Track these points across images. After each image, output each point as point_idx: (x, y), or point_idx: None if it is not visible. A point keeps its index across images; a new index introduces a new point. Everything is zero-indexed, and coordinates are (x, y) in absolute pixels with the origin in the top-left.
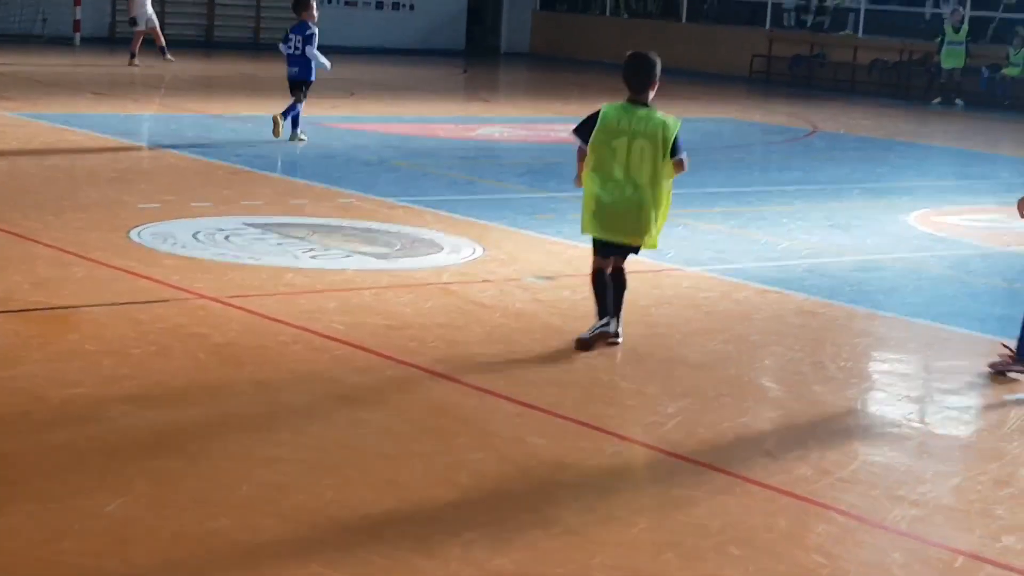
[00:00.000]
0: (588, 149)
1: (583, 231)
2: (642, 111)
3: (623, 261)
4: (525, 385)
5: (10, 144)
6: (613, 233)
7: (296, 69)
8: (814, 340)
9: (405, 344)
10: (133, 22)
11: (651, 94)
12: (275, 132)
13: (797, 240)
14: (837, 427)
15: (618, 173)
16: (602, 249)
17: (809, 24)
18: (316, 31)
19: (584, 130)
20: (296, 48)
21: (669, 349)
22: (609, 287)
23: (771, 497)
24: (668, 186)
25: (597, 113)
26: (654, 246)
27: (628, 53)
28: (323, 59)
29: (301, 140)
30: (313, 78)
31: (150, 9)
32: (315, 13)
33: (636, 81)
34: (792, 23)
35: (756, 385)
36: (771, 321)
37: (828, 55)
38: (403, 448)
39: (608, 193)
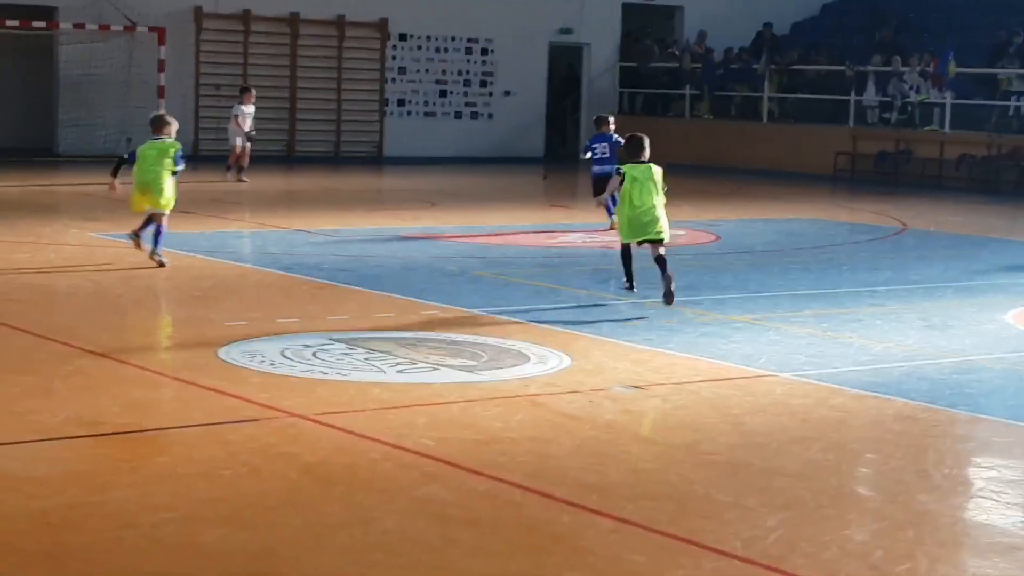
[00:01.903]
0: (623, 185)
1: (623, 239)
2: (644, 166)
3: (659, 248)
4: (618, 499)
5: (98, 265)
6: (640, 235)
7: (607, 168)
8: (915, 446)
9: (495, 459)
10: (250, 138)
11: (646, 155)
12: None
13: (892, 342)
14: (945, 538)
15: (637, 201)
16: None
17: (893, 121)
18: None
19: (619, 173)
20: (604, 152)
21: (765, 459)
22: (633, 260)
23: None
24: (663, 204)
25: (621, 167)
26: (666, 235)
27: (628, 135)
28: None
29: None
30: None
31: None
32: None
33: (632, 152)
34: (876, 120)
35: (858, 495)
36: (869, 427)
37: (914, 151)
38: (497, 567)
39: (634, 212)
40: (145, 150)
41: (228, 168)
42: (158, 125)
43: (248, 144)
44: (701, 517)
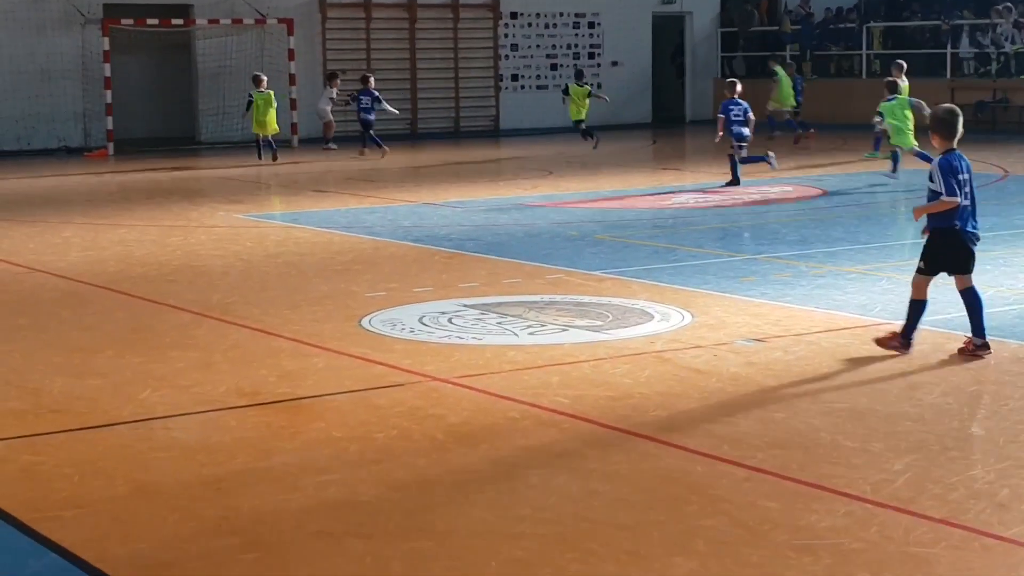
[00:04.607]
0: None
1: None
2: (581, 87)
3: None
4: (749, 448)
5: (245, 245)
6: (575, 118)
7: (372, 117)
8: None
9: (628, 414)
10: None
11: (585, 80)
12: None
13: (1003, 286)
14: None
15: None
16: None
17: (992, 71)
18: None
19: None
20: (366, 105)
21: (888, 404)
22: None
23: (1011, 550)
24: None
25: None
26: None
27: (577, 69)
28: (391, 108)
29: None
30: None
31: (322, 105)
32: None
33: (577, 78)
34: (972, 71)
35: (980, 436)
36: (987, 370)
37: (1011, 99)
38: (638, 517)
39: (574, 108)
40: (257, 98)
41: (327, 142)
42: (258, 82)
43: (331, 118)
44: (830, 463)
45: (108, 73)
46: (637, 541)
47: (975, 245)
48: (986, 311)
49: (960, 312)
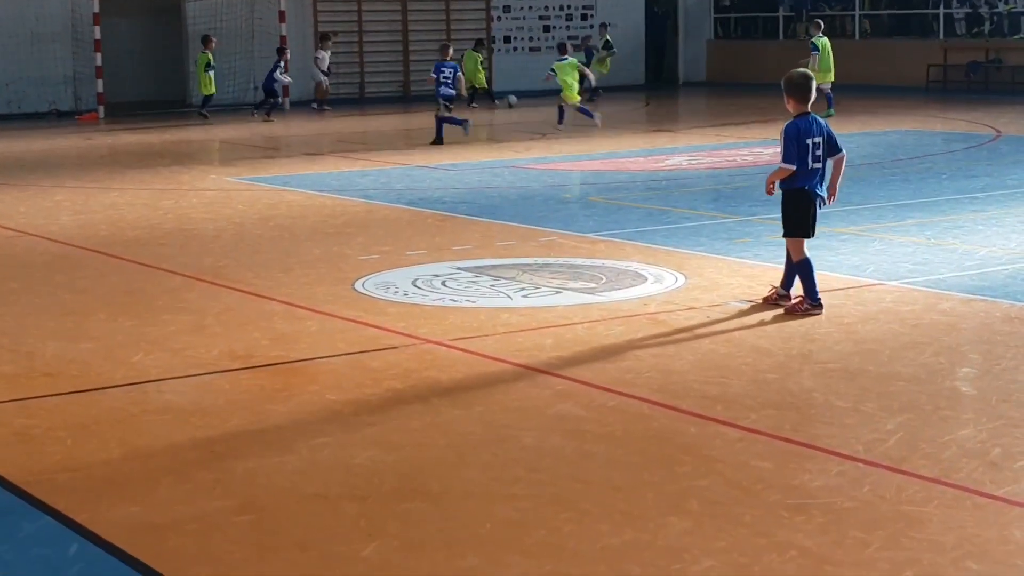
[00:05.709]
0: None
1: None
2: (570, 59)
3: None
4: (742, 409)
5: (236, 208)
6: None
7: (275, 86)
8: None
9: (622, 376)
10: (327, 73)
11: (568, 52)
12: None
13: (995, 246)
14: None
15: (565, 81)
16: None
17: (985, 31)
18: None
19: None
20: (280, 73)
21: (881, 365)
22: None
23: (1003, 509)
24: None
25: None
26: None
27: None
28: (285, 78)
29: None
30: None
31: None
32: (288, 56)
33: (561, 51)
34: (964, 31)
35: (973, 396)
36: (979, 330)
37: (1004, 59)
38: (632, 478)
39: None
40: (200, 58)
41: (314, 103)
42: (207, 42)
43: (327, 80)
44: (823, 423)
45: (98, 36)
46: (631, 501)
47: (820, 208)
48: (978, 271)
49: (953, 272)
